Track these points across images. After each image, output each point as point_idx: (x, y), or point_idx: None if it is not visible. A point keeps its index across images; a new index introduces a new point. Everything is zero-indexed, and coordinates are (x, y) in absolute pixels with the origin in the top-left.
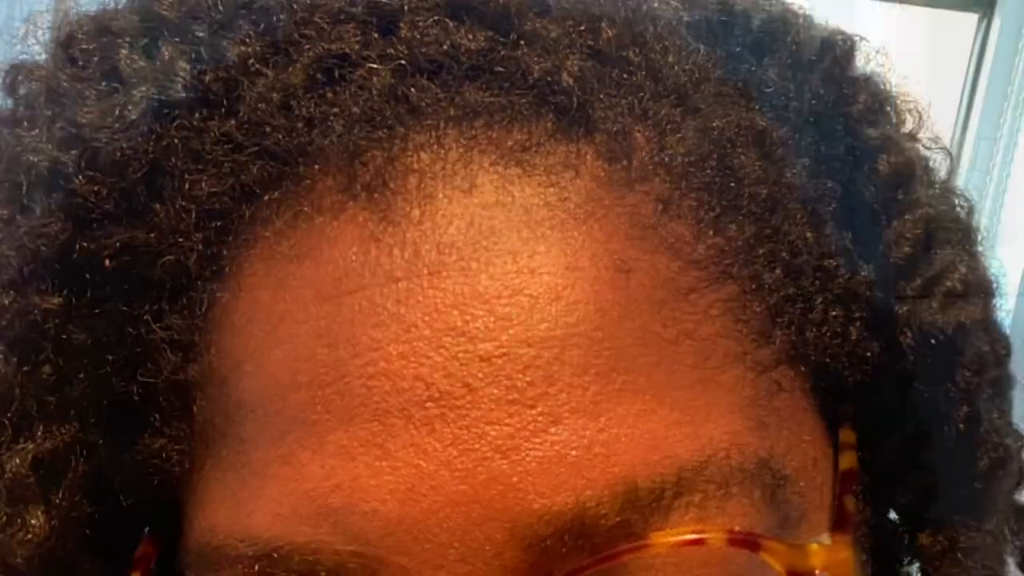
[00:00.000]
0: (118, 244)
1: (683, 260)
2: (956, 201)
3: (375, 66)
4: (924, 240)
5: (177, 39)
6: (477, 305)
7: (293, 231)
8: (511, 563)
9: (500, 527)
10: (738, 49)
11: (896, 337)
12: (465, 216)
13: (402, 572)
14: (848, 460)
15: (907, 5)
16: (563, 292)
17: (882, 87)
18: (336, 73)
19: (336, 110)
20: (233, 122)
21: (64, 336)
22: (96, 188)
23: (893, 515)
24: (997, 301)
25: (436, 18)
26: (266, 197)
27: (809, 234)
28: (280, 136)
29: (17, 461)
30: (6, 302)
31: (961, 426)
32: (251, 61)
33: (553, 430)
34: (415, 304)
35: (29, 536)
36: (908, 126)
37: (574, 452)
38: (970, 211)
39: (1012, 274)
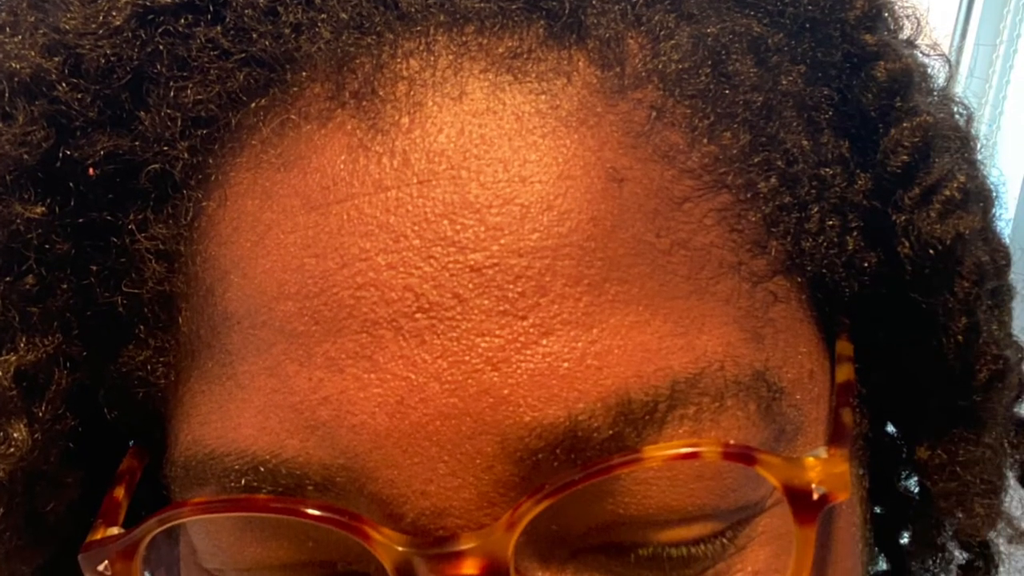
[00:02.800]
0: (102, 152)
1: (677, 169)
2: (955, 109)
3: None
4: (922, 148)
5: None
6: (468, 214)
7: (280, 139)
8: (502, 476)
9: (491, 440)
10: None
11: (894, 247)
12: (455, 124)
13: (390, 486)
14: (845, 372)
15: None
16: (555, 201)
17: None
18: None
19: (324, 16)
20: (219, 28)
21: (47, 246)
22: (80, 95)
23: (891, 428)
24: (996, 210)
25: None
26: (253, 104)
27: (805, 142)
28: (267, 42)
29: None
30: None
31: (960, 337)
32: None
33: (545, 342)
34: (404, 213)
35: (11, 450)
36: (906, 32)
37: (566, 364)
38: (969, 119)
39: (1012, 183)
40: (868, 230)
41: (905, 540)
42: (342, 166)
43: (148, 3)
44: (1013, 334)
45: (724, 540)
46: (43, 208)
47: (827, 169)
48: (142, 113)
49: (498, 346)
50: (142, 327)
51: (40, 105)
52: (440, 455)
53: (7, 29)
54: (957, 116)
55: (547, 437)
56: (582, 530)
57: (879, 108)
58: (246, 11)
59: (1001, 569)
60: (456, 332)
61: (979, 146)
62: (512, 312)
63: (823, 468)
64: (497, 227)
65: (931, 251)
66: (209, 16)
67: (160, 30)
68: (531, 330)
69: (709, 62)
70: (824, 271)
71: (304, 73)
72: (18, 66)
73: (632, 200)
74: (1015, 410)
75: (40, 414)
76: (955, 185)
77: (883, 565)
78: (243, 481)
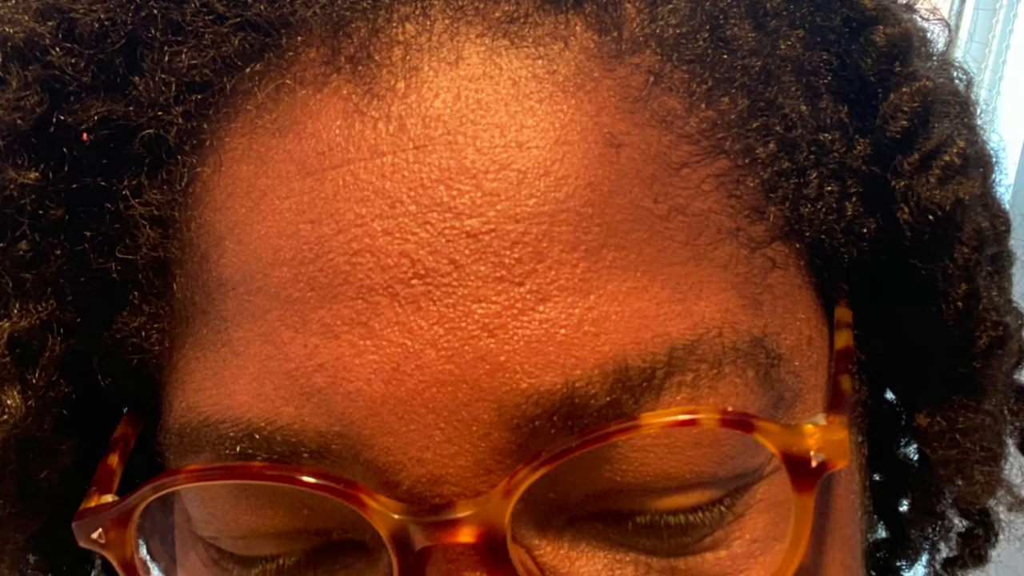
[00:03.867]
0: (96, 117)
1: (674, 134)
2: (954, 74)
3: None
4: (922, 113)
5: None
6: (464, 180)
7: (275, 104)
8: (498, 444)
9: (487, 407)
10: None
11: (893, 213)
12: (451, 89)
13: (386, 453)
14: (844, 339)
15: None
16: (552, 167)
17: None
18: None
19: None
20: None
21: (41, 212)
22: (74, 60)
23: (890, 395)
24: (996, 176)
25: None
26: (248, 70)
27: (804, 107)
28: (262, 7)
29: None
30: None
31: (959, 304)
32: None
33: (541, 308)
34: (400, 179)
35: (5, 416)
36: None
37: (563, 330)
38: (969, 84)
39: (1011, 148)
40: (867, 196)
41: (904, 508)
42: (337, 131)
43: None
44: (1013, 300)
45: (722, 508)
46: (37, 174)
47: (826, 134)
48: (136, 78)
49: (495, 312)
50: (136, 293)
51: (34, 70)
52: (436, 422)
53: None
54: (956, 81)
55: (544, 404)
56: (579, 498)
57: (878, 73)
58: None
59: (1001, 537)
60: (452, 298)
61: (979, 111)
62: (509, 278)
63: (822, 435)
64: (494, 192)
65: (931, 217)
66: None
67: None
68: (528, 296)
69: (707, 26)
70: (823, 237)
71: (299, 38)
72: (11, 31)
73: (630, 165)
74: (1015, 377)
75: (34, 381)
76: (955, 150)
77: (882, 533)
78: (238, 448)
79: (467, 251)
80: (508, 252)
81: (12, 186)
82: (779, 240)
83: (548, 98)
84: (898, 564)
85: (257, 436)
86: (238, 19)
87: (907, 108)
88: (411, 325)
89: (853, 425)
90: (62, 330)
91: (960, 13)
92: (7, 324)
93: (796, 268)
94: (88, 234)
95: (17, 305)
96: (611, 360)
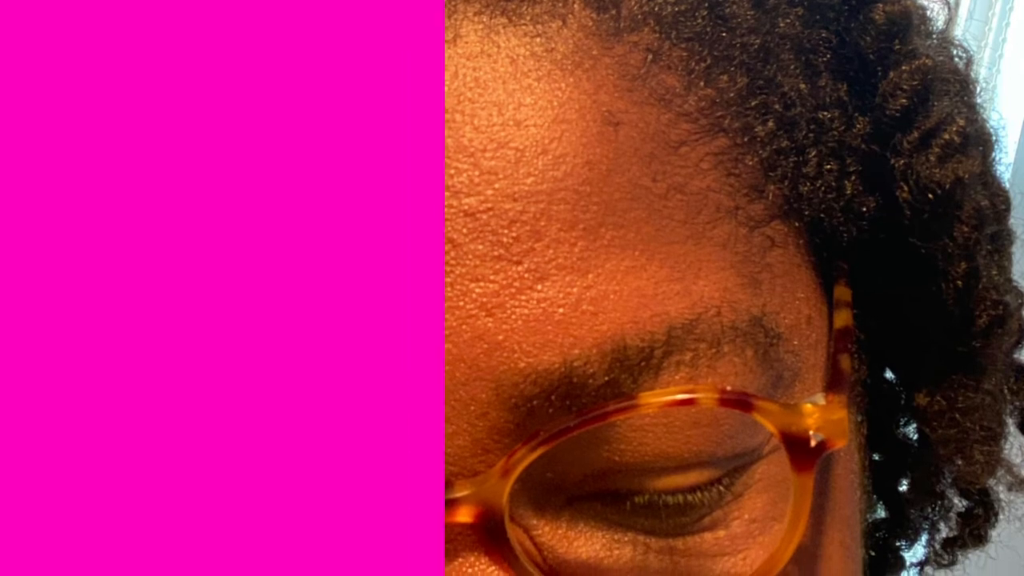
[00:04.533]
0: None
1: (673, 112)
2: (954, 52)
3: None
4: (921, 92)
5: None
6: (461, 159)
7: None
8: (496, 423)
9: (485, 386)
10: None
11: (893, 191)
12: (449, 67)
13: None
14: (843, 318)
15: None
16: (550, 145)
17: None
18: None
19: None
20: None
21: None
22: None
23: (890, 375)
24: (996, 154)
25: None
26: None
27: (803, 85)
28: None
29: None
30: None
31: (959, 283)
32: None
33: (539, 287)
34: None
35: None
36: None
37: (561, 309)
38: (968, 62)
39: (1011, 127)
40: (867, 174)
41: (904, 488)
42: None
43: None
44: (1013, 279)
45: (721, 487)
46: None
47: (825, 113)
48: None
49: (492, 291)
50: None
51: None
52: None
53: None
54: (956, 59)
55: (542, 383)
56: (577, 478)
57: (877, 51)
58: None
59: (1001, 517)
60: (450, 277)
61: (979, 89)
62: (506, 257)
63: (821, 415)
64: (491, 171)
65: (930, 195)
66: None
67: None
68: (526, 275)
69: (706, 4)
70: (822, 216)
71: None
72: None
73: (628, 144)
74: (1015, 356)
75: None
76: (954, 129)
77: (882, 513)
78: None
79: (464, 230)
80: (506, 231)
81: None
82: (778, 219)
83: (546, 76)
84: (897, 544)
85: None
86: None
87: (907, 86)
88: None
89: (852, 405)
90: None
91: None
92: None
93: (795, 247)
94: None
95: None
96: (609, 339)
